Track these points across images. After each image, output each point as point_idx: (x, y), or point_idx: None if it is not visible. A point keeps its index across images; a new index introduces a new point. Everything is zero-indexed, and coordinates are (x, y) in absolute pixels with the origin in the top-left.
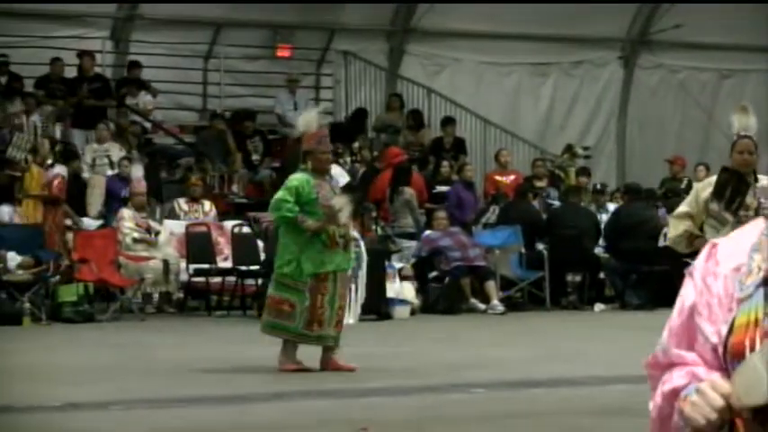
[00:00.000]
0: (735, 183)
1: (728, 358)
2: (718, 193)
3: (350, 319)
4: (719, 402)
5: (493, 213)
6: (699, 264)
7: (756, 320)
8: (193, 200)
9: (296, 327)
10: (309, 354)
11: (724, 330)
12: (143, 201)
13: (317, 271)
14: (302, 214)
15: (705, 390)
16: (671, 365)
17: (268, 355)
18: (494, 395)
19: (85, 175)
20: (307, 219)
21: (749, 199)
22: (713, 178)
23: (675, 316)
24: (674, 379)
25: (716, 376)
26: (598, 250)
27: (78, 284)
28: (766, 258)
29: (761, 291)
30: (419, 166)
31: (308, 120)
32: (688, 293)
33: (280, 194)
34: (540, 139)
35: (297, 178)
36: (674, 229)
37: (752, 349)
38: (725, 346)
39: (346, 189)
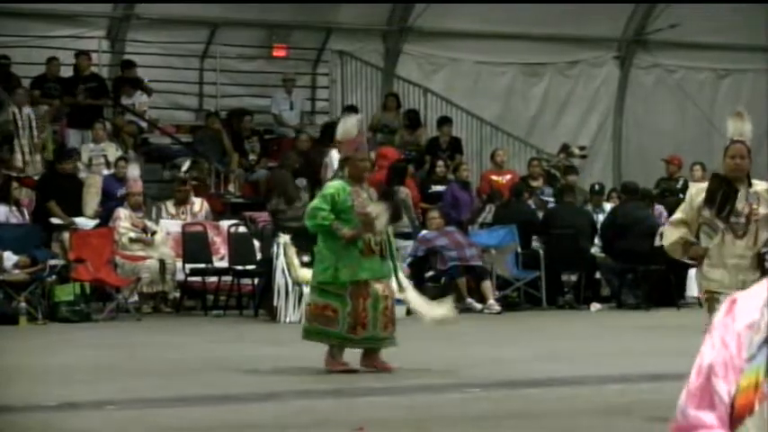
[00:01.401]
0: (725, 189)
1: (733, 421)
2: (709, 200)
3: None
4: None
5: (489, 213)
6: (718, 320)
7: (757, 383)
8: (180, 203)
9: (339, 331)
10: (353, 354)
11: (733, 391)
12: (139, 200)
13: (354, 279)
14: (338, 222)
15: None
16: (691, 428)
17: (264, 354)
18: (490, 395)
19: (82, 174)
20: (342, 227)
21: (740, 205)
22: (707, 184)
23: (693, 376)
24: None
25: None
26: (594, 250)
27: (75, 284)
28: None
29: (764, 350)
30: (415, 166)
31: (347, 127)
32: (706, 352)
33: (315, 202)
34: (537, 138)
35: (333, 185)
36: (670, 236)
37: (750, 413)
38: (732, 408)
39: (384, 196)
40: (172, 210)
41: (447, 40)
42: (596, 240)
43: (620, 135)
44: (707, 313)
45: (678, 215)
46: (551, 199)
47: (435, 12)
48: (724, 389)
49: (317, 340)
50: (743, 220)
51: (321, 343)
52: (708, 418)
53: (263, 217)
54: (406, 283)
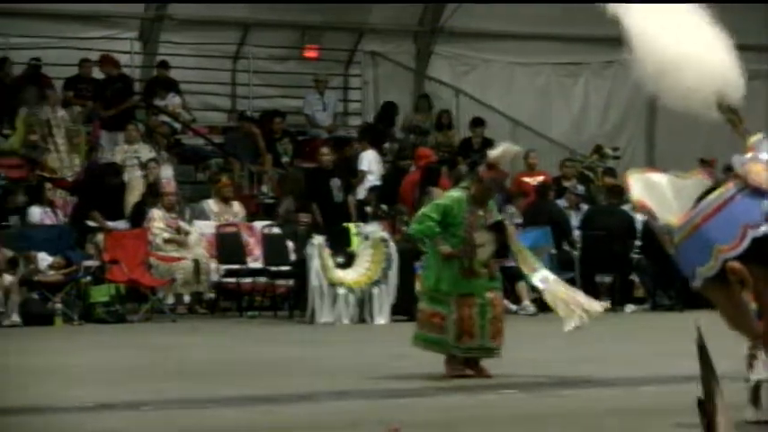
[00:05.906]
0: None
1: None
2: None
3: (381, 319)
4: None
5: (513, 214)
6: None
7: None
8: (224, 201)
9: (445, 338)
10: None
11: None
12: (173, 201)
13: (455, 292)
14: (441, 237)
15: None
16: None
17: (299, 355)
18: (525, 396)
19: (125, 176)
20: (443, 243)
21: None
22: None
23: None
24: None
25: None
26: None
27: (110, 285)
28: None
29: None
30: (448, 167)
31: (504, 154)
32: None
33: (426, 209)
34: (570, 139)
35: (450, 197)
36: None
37: None
38: None
39: (496, 227)
40: (215, 208)
41: (479, 41)
42: (635, 242)
43: (654, 136)
44: None
45: None
46: (583, 194)
47: (467, 12)
48: None
49: (428, 349)
50: None
51: (431, 351)
52: None
53: (301, 218)
54: (542, 284)
